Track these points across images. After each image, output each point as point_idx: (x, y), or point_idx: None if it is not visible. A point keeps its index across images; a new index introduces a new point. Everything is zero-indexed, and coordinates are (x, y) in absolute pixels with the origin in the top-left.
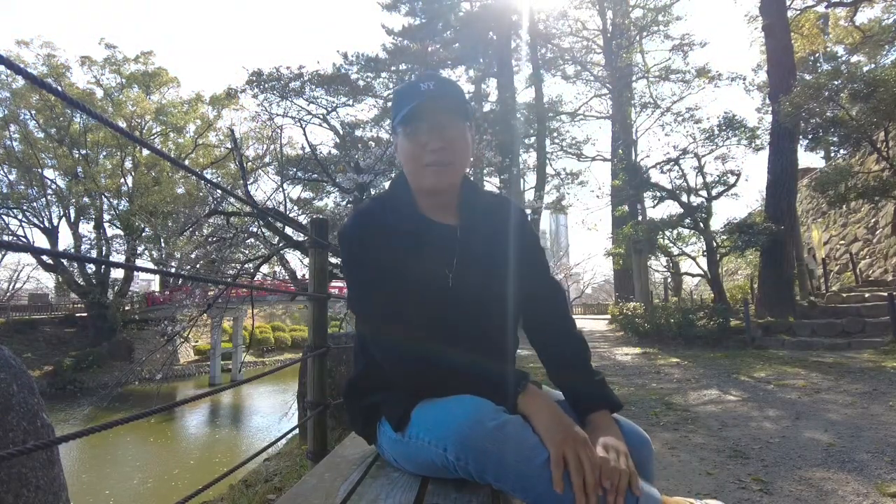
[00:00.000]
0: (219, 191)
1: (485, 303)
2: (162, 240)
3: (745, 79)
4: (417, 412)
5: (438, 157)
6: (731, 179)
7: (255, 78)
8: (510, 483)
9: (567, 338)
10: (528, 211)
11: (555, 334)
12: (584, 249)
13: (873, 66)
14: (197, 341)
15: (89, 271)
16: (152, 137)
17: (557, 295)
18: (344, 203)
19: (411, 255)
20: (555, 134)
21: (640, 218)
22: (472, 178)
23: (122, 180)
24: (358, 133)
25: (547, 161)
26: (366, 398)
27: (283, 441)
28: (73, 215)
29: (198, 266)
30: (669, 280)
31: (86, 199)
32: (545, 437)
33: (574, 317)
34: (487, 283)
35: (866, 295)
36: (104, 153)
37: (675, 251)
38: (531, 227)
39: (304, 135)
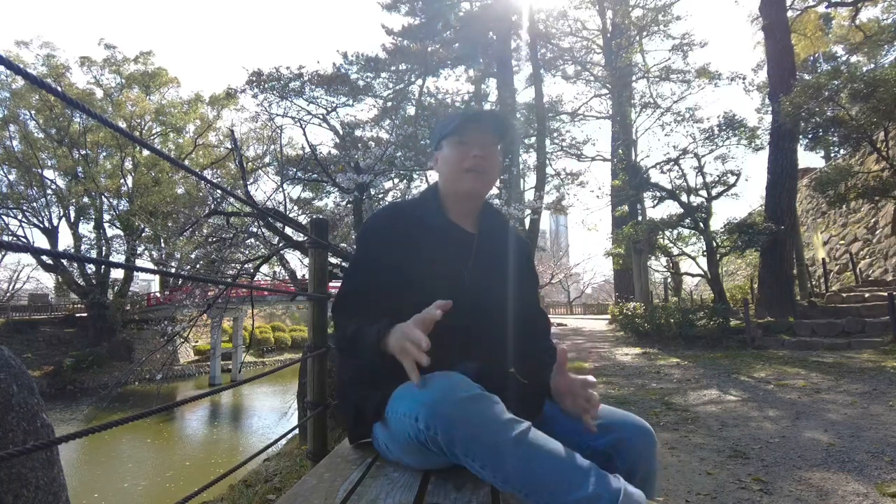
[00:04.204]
0: (219, 191)
1: (493, 303)
2: (162, 240)
3: (745, 79)
4: (401, 389)
5: (478, 162)
6: (731, 179)
7: (254, 78)
8: (480, 458)
9: (551, 352)
10: (528, 211)
11: (541, 351)
12: (584, 249)
13: (873, 65)
14: (197, 341)
15: (89, 271)
16: (152, 138)
17: (546, 322)
18: (344, 203)
19: (433, 249)
20: (555, 134)
21: (640, 218)
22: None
23: (122, 180)
24: (358, 133)
25: (547, 161)
26: (353, 396)
27: (283, 441)
28: (73, 215)
29: (198, 266)
30: (669, 280)
31: (86, 200)
32: (393, 350)
33: (574, 317)
34: (497, 287)
35: (866, 295)
36: (104, 153)
37: (675, 251)
38: (535, 266)
39: (304, 135)
